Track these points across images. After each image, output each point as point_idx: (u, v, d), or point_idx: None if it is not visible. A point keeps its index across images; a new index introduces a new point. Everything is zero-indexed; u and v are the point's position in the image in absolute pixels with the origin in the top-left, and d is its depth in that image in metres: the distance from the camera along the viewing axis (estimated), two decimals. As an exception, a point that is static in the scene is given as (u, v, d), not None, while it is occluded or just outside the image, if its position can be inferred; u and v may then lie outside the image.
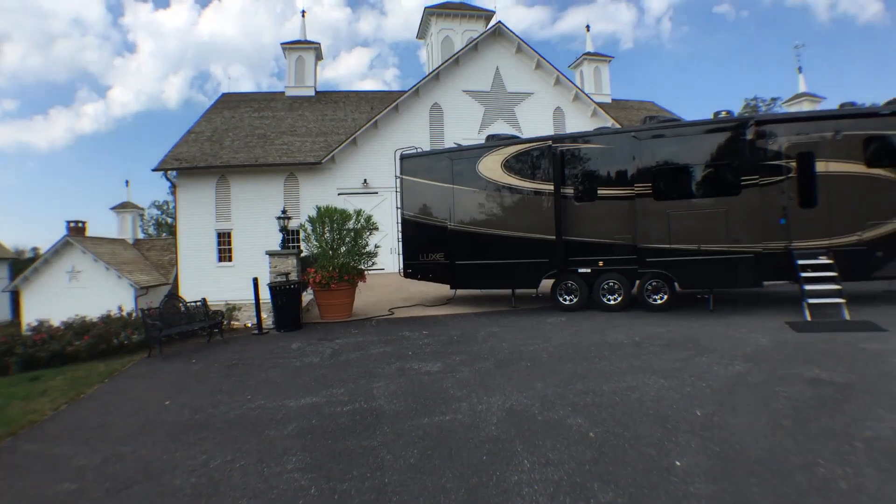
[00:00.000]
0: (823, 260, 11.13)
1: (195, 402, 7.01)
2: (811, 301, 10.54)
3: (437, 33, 29.34)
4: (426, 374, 7.68)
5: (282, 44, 29.22)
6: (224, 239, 23.47)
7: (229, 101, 28.56)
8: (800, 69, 39.48)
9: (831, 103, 40.54)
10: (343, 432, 5.60)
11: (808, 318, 10.27)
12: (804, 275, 10.99)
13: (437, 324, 11.79)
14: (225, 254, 23.41)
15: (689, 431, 5.12)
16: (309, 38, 30.14)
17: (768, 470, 4.31)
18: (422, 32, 31.85)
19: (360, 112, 27.75)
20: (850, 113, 12.22)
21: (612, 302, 12.54)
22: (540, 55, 25.80)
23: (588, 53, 32.38)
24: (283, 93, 29.52)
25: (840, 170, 11.42)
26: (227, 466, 4.92)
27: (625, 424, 5.37)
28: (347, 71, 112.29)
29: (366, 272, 13.84)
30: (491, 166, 13.46)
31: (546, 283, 13.38)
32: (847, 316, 10.14)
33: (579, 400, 6.19)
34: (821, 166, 11.47)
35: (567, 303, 12.92)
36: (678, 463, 4.47)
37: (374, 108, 27.38)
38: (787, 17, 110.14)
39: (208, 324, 11.43)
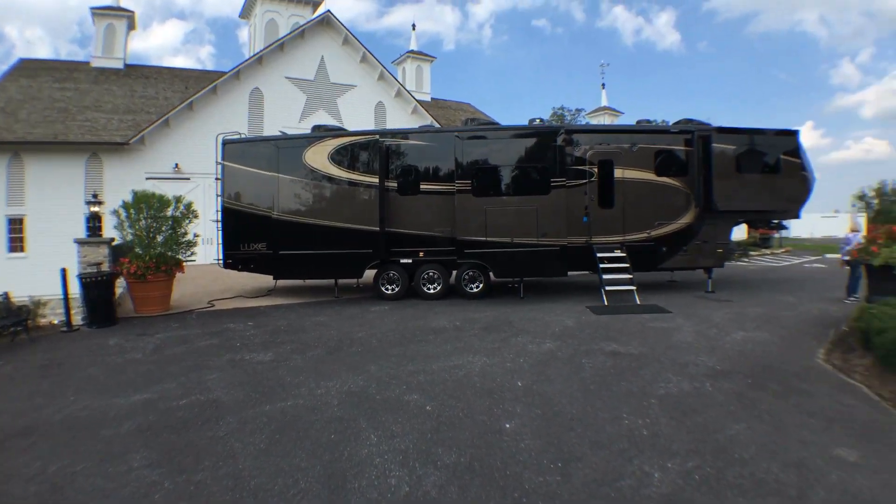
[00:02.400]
0: (618, 253, 14.31)
1: (13, 407, 6.78)
2: (608, 288, 13.51)
3: (262, 14, 30.24)
4: (259, 364, 8.36)
5: (91, 8, 27.72)
6: (16, 226, 22.03)
7: (27, 69, 26.59)
8: (603, 85, 48.82)
9: (628, 118, 48.84)
10: (185, 425, 5.98)
11: (606, 303, 13.09)
12: (602, 266, 14.02)
13: (262, 315, 12.60)
14: (17, 243, 21.98)
15: (514, 399, 6.52)
16: (122, 3, 28.78)
17: (583, 425, 5.73)
18: (246, 11, 32.51)
19: (174, 91, 27.39)
20: (645, 129, 15.97)
21: (431, 291, 14.58)
22: (366, 49, 28.09)
23: (412, 51, 36.31)
24: (88, 63, 28.01)
25: (634, 177, 14.84)
26: (67, 470, 5.02)
27: (457, 397, 6.62)
28: (158, 44, 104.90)
29: (183, 262, 13.93)
30: (317, 156, 14.64)
31: (369, 273, 14.89)
32: (638, 301, 13.16)
33: (413, 379, 7.38)
34: (618, 173, 14.80)
35: (389, 292, 14.64)
36: (508, 426, 5.73)
37: (190, 87, 27.28)
38: (597, 37, 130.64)
39: (12, 321, 10.72)
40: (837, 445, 5.29)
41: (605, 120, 43.30)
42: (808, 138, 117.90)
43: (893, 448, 5.29)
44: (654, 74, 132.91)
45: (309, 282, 16.79)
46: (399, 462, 4.98)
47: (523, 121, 15.94)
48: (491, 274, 14.66)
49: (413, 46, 37.02)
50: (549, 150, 14.41)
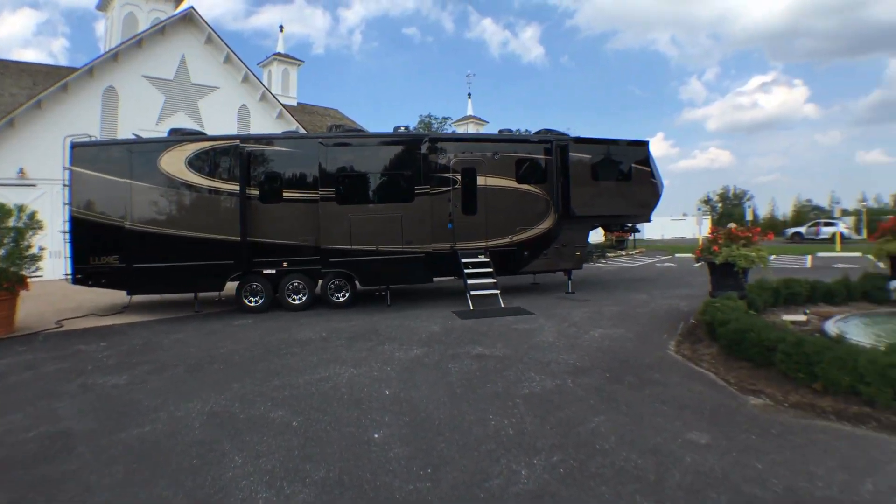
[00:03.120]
0: (482, 259, 14.63)
1: None
2: (473, 293, 13.71)
3: (121, 7, 28.26)
4: (113, 388, 7.71)
5: (-76, -8, 24.51)
6: None
7: None
8: (469, 94, 49.64)
9: (494, 126, 50.58)
10: (34, 460, 5.41)
11: (472, 308, 13.27)
12: (467, 271, 14.24)
13: (116, 334, 11.63)
14: None
15: (382, 409, 6.43)
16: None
17: (451, 429, 5.73)
18: (103, 4, 30.17)
19: (21, 87, 24.83)
20: (506, 138, 16.50)
21: (296, 302, 14.15)
22: (230, 49, 26.89)
23: (279, 54, 35.13)
24: (-80, 54, 24.84)
25: (496, 184, 15.28)
26: None
27: (324, 411, 6.43)
28: (6, 34, 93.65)
29: (28, 279, 12.50)
30: (174, 162, 13.70)
31: (231, 286, 14.22)
32: (502, 304, 13.46)
33: (278, 395, 7.10)
34: (481, 180, 15.17)
35: (253, 304, 14.04)
36: (376, 435, 5.63)
37: (39, 84, 24.85)
38: (465, 47, 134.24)
39: None
40: (690, 430, 5.62)
41: (470, 128, 44.45)
42: (660, 148, 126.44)
43: (740, 429, 5.67)
44: (519, 85, 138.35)
45: (167, 296, 15.88)
46: (266, 483, 4.76)
47: (391, 128, 16.02)
48: (357, 282, 14.52)
49: (280, 49, 36.04)
50: (414, 157, 14.49)
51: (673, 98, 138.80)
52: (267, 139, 15.06)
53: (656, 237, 57.35)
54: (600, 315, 12.19)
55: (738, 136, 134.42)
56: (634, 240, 39.05)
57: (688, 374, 7.69)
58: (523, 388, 7.15)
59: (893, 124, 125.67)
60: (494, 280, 14.21)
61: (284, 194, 14.21)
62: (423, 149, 14.55)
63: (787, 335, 7.22)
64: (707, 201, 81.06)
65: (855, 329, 9.03)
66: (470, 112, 46.35)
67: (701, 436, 5.46)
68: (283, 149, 14.47)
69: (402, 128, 15.98)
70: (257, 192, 14.07)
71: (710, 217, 66.41)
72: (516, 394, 6.91)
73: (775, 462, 4.88)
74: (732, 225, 11.09)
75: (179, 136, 14.40)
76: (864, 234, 42.69)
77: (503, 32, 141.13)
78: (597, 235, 32.08)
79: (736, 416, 6.04)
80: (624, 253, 34.51)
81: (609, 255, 31.84)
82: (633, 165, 16.88)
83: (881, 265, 12.61)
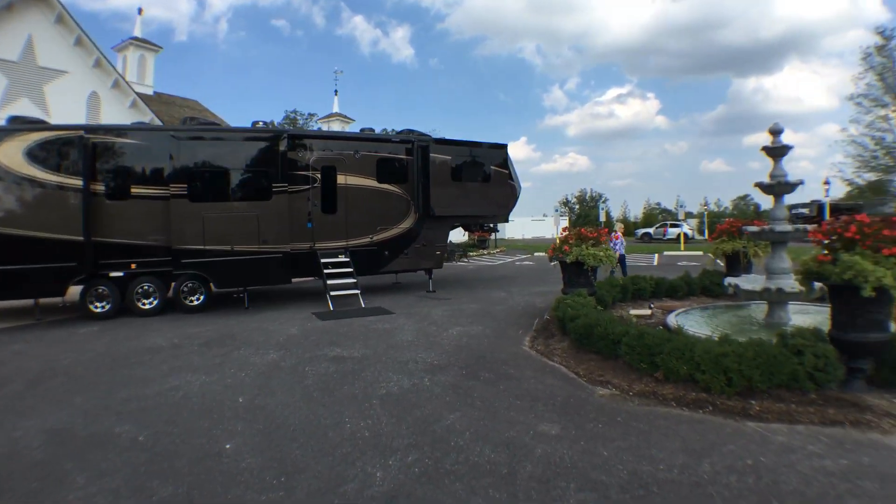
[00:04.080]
0: (342, 258, 14.42)
1: None
2: (333, 293, 13.53)
3: None
4: None
5: None
6: None
7: None
8: (336, 91, 48.70)
9: (361, 125, 50.35)
10: None
11: (332, 308, 13.08)
12: (327, 271, 14.00)
13: None
14: None
15: (234, 417, 6.18)
16: None
17: (306, 434, 5.60)
18: None
19: None
20: (368, 137, 16.36)
21: (147, 306, 13.20)
22: (82, 30, 24.39)
23: (136, 38, 31.98)
24: None
25: (357, 183, 15.11)
26: None
27: (174, 422, 6.09)
28: None
29: None
30: (11, 153, 12.25)
31: (76, 290, 12.99)
32: (363, 304, 13.37)
33: (124, 408, 6.63)
34: (341, 179, 14.94)
35: (99, 310, 12.87)
36: (228, 446, 5.40)
37: None
38: (335, 43, 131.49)
39: None
40: (541, 422, 5.79)
41: (336, 126, 43.73)
42: (523, 151, 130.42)
43: (588, 418, 5.91)
44: (387, 85, 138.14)
45: (3, 304, 14.29)
46: (110, 503, 4.45)
47: (261, 121, 15.42)
48: (212, 285, 13.86)
49: (138, 33, 32.79)
50: (272, 154, 14.08)
51: (536, 105, 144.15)
52: (116, 130, 13.88)
53: (517, 237, 59.16)
54: (460, 313, 12.41)
55: (596, 142, 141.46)
56: (496, 239, 40.03)
57: (541, 368, 7.95)
58: (381, 388, 7.12)
59: (734, 137, 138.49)
60: (355, 280, 14.12)
61: (133, 191, 13.18)
62: (282, 146, 14.19)
63: (630, 329, 7.64)
64: (566, 203, 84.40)
65: (694, 321, 9.67)
66: (336, 109, 45.66)
67: (552, 427, 5.64)
68: (133, 141, 13.39)
69: (260, 123, 15.47)
70: (103, 188, 12.94)
71: (568, 218, 69.36)
72: (373, 395, 6.87)
73: (621, 448, 5.12)
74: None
75: (17, 125, 12.99)
76: (706, 235, 46.05)
77: (374, 31, 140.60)
78: (460, 235, 32.68)
79: (585, 407, 6.30)
80: (486, 252, 35.35)
81: (471, 254, 32.50)
82: (492, 167, 17.35)
83: (720, 263, 13.59)
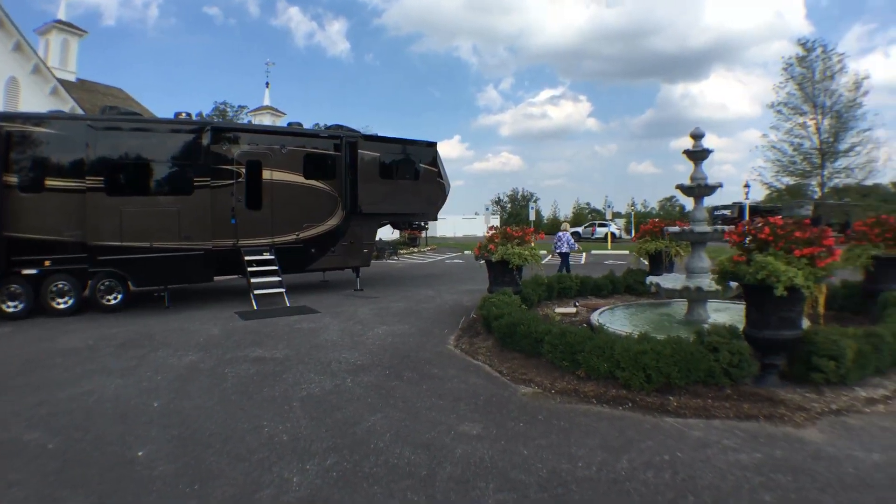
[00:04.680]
0: (267, 256, 14.07)
1: None
2: (258, 292, 13.19)
3: None
4: None
5: None
6: None
7: None
8: (268, 84, 47.39)
9: (292, 119, 49.42)
10: None
11: (256, 307, 12.75)
12: (251, 269, 13.63)
13: None
14: None
15: (149, 423, 5.94)
16: None
17: (222, 439, 5.43)
18: None
19: None
20: (295, 131, 16.04)
21: (62, 306, 12.53)
22: (3, 10, 23.14)
23: (60, 21, 30.40)
24: None
25: (283, 178, 14.77)
26: None
27: (85, 429, 5.81)
28: None
29: None
30: None
31: None
32: (288, 303, 13.06)
33: (34, 413, 6.29)
34: (267, 174, 14.56)
35: (12, 310, 12.17)
36: (141, 453, 5.17)
37: None
38: (269, 34, 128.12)
39: None
40: (463, 422, 5.76)
41: (267, 120, 42.77)
42: (456, 150, 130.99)
43: (510, 417, 5.91)
44: (322, 79, 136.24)
45: None
46: (18, 515, 4.18)
47: (185, 113, 14.92)
48: (130, 283, 13.28)
49: (62, 16, 31.17)
50: (195, 147, 13.58)
51: (471, 103, 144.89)
52: (32, 119, 13.05)
53: (449, 235, 59.32)
54: (387, 312, 12.32)
55: (529, 142, 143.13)
56: (426, 237, 40.02)
57: (465, 367, 7.94)
58: (302, 390, 6.97)
59: (662, 140, 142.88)
60: (280, 278, 13.81)
61: (48, 183, 12.44)
62: (206, 138, 13.69)
63: (553, 327, 7.71)
64: (498, 202, 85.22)
65: (617, 319, 9.85)
66: (267, 102, 44.60)
67: (473, 427, 5.62)
68: (48, 130, 12.60)
69: (185, 114, 14.84)
70: (17, 181, 12.20)
71: (500, 216, 70.07)
72: (294, 397, 6.72)
73: (541, 447, 5.14)
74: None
75: None
76: (633, 235, 47.27)
77: (310, 23, 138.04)
78: (392, 233, 32.51)
79: (507, 406, 6.30)
80: (416, 250, 35.28)
81: (401, 252, 32.36)
82: (421, 165, 17.27)
83: (644, 262, 13.89)
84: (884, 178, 32.71)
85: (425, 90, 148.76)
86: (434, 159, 17.64)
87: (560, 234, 17.96)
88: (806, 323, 7.70)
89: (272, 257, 14.24)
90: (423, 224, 22.77)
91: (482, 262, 11.49)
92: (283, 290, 13.54)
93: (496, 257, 10.72)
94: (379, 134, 16.99)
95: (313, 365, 8.09)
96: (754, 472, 4.67)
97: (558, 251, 17.66)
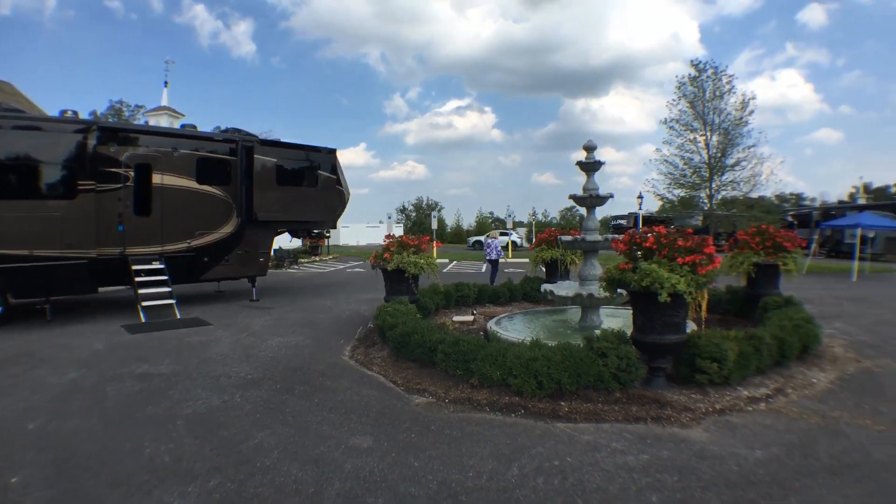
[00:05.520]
0: (157, 265, 13.38)
1: None
2: (146, 304, 12.51)
3: None
4: None
5: None
6: None
7: None
8: (167, 83, 44.91)
9: (192, 121, 47.51)
10: None
11: (144, 320, 12.10)
12: (139, 279, 12.91)
13: None
14: None
15: (25, 446, 5.55)
16: None
17: (101, 462, 5.13)
18: None
19: None
20: (188, 134, 15.29)
21: None
22: None
23: None
24: None
25: (174, 183, 14.06)
26: None
27: None
28: None
29: None
30: None
31: None
32: (179, 315, 12.54)
33: None
34: (157, 179, 13.79)
35: None
36: (14, 479, 4.82)
37: None
38: (172, 32, 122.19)
39: None
40: (354, 435, 5.67)
41: (164, 121, 40.84)
42: (362, 158, 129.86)
43: (402, 428, 5.86)
44: (225, 81, 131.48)
45: None
46: None
47: (82, 111, 13.87)
48: (9, 294, 12.17)
49: None
50: (79, 148, 12.71)
51: (378, 111, 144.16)
52: None
53: (351, 243, 58.71)
54: (282, 322, 12.03)
55: (434, 152, 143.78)
56: (328, 245, 39.51)
57: (359, 378, 7.84)
58: (187, 407, 6.67)
59: (564, 152, 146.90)
60: (170, 289, 13.19)
61: None
62: (92, 139, 12.86)
63: (447, 336, 7.74)
64: (403, 210, 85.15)
65: (514, 327, 9.99)
66: (165, 103, 42.26)
67: (364, 440, 5.53)
68: None
69: (71, 112, 13.87)
70: None
71: (403, 225, 70.09)
72: (179, 415, 6.42)
73: (432, 458, 5.11)
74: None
75: None
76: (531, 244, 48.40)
77: (215, 22, 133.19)
78: (293, 241, 31.92)
79: (400, 417, 6.25)
80: (317, 258, 34.73)
81: (302, 260, 31.77)
82: (320, 172, 16.97)
83: (542, 269, 14.16)
84: (766, 192, 34.79)
85: (332, 96, 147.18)
86: (333, 166, 17.38)
87: (489, 241, 18.36)
88: (692, 327, 8.06)
89: (162, 266, 13.57)
90: (324, 232, 22.45)
91: (376, 270, 11.40)
92: (173, 301, 12.95)
93: (392, 266, 10.65)
94: (282, 140, 16.59)
95: (201, 380, 7.77)
96: (641, 474, 4.80)
97: (488, 258, 18.15)
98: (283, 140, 16.90)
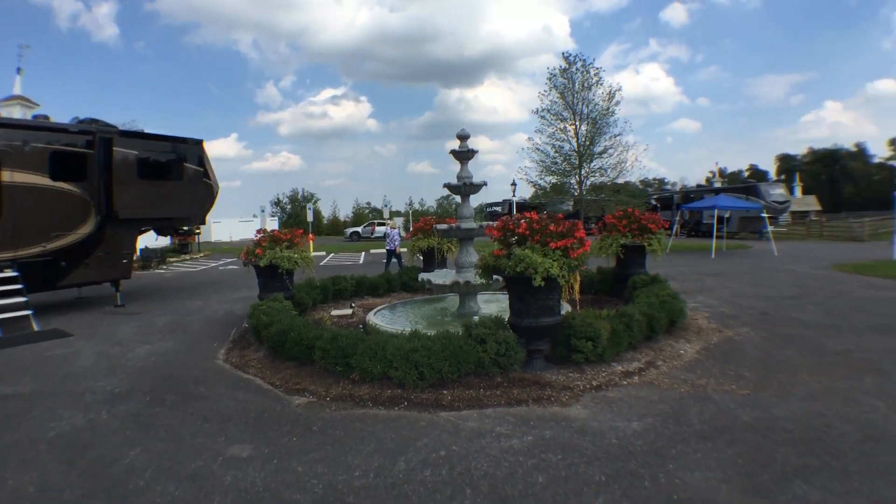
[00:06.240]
0: (9, 273, 12.26)
1: None
2: (-1, 316, 11.39)
3: None
4: None
5: None
6: None
7: None
8: (20, 70, 40.65)
9: (48, 111, 43.84)
10: None
11: (-2, 335, 11.03)
12: (-9, 289, 11.74)
13: None
14: None
15: None
16: None
17: (-50, 498, 4.76)
18: None
19: None
20: (40, 125, 14.00)
21: None
22: None
23: None
24: None
25: (26, 181, 12.81)
26: None
27: None
28: None
29: None
30: None
31: None
32: (37, 327, 11.55)
33: None
34: (6, 175, 12.52)
35: None
36: None
37: None
38: (27, 12, 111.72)
39: None
40: (232, 444, 5.45)
41: (17, 112, 37.21)
42: (234, 149, 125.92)
43: (283, 433, 5.70)
44: (86, 67, 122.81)
45: None
46: None
47: None
48: None
49: None
50: None
51: (250, 100, 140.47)
52: None
53: (224, 239, 56.81)
54: (150, 328, 11.41)
55: (309, 142, 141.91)
56: (199, 242, 38.01)
57: (234, 382, 7.56)
58: (50, 430, 6.15)
59: (439, 141, 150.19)
60: (25, 299, 12.11)
61: None
62: None
63: (324, 332, 7.60)
64: (278, 202, 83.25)
65: (394, 318, 9.99)
66: (18, 91, 38.46)
67: (244, 448, 5.33)
68: None
69: None
70: None
71: (278, 218, 68.64)
72: (41, 438, 5.91)
73: (316, 460, 5.01)
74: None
75: None
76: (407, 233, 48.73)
77: (74, 3, 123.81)
78: (164, 240, 30.49)
79: (280, 420, 6.08)
80: (188, 257, 33.30)
81: (171, 260, 30.36)
82: (186, 164, 16.14)
83: (420, 258, 14.23)
84: (632, 177, 36.74)
85: (202, 85, 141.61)
86: (201, 158, 16.60)
87: (391, 231, 18.45)
88: (567, 308, 8.34)
89: (15, 274, 12.43)
90: (193, 229, 21.48)
91: (248, 267, 11.05)
92: (29, 312, 11.91)
93: (264, 262, 10.37)
94: (147, 131, 15.63)
95: (64, 398, 7.20)
96: (527, 456, 4.92)
97: (389, 248, 18.69)
98: (147, 131, 15.88)
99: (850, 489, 4.29)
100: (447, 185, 10.36)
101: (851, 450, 4.97)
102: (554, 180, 36.17)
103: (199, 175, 16.49)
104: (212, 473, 4.85)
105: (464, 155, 10.27)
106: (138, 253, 23.06)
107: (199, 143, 16.80)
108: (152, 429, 6.00)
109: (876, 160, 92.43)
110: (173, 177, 15.92)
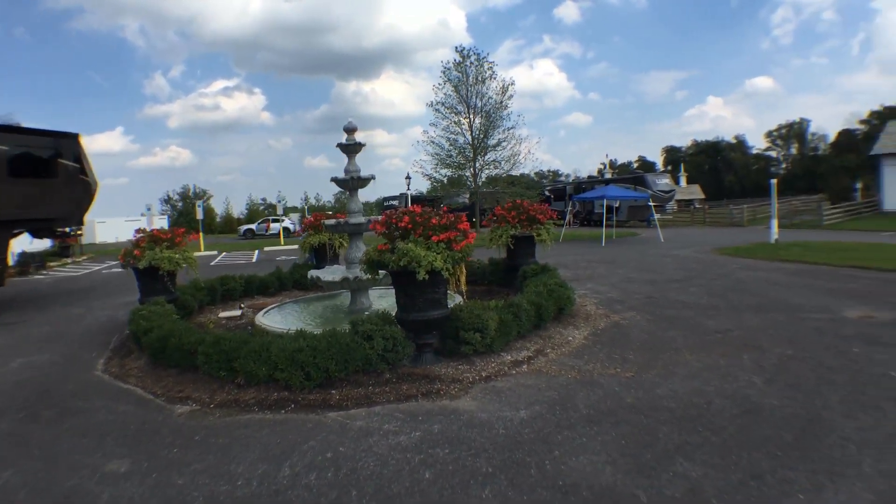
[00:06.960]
0: None
1: None
2: None
3: None
4: None
5: None
6: None
7: None
8: None
9: None
10: None
11: None
12: None
13: None
14: None
15: None
16: None
17: None
18: None
19: None
20: None
21: None
22: None
23: None
24: None
25: None
26: None
27: None
28: None
29: None
30: None
31: None
32: None
33: None
34: None
35: None
36: None
37: None
38: None
39: None
40: (110, 460, 5.25)
41: None
42: (119, 143, 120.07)
43: (163, 444, 5.54)
44: None
45: None
46: None
47: None
48: None
49: None
50: None
51: (136, 91, 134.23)
52: None
53: (110, 240, 54.20)
54: (26, 339, 10.79)
55: (200, 135, 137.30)
56: (82, 245, 36.17)
57: (114, 394, 7.25)
58: None
59: (336, 135, 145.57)
60: None
61: None
62: None
63: (206, 336, 7.41)
64: (168, 200, 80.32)
65: (284, 317, 9.88)
66: None
67: (122, 464, 5.15)
68: None
69: None
70: None
71: (168, 216, 66.29)
72: None
73: (198, 471, 4.90)
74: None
75: None
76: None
77: None
78: (30, 242, 28.80)
79: (161, 431, 5.90)
80: (70, 261, 31.61)
81: (51, 264, 28.74)
82: (61, 161, 15.24)
83: (312, 255, 14.10)
84: (526, 169, 37.90)
85: (84, 73, 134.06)
86: (78, 154, 15.74)
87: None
88: (458, 300, 8.49)
89: None
90: (73, 230, 20.37)
91: (127, 270, 10.64)
92: None
93: (143, 264, 9.99)
94: (24, 125, 14.65)
95: None
96: (414, 452, 4.99)
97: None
98: (22, 125, 14.91)
99: (728, 463, 4.57)
100: (334, 180, 10.30)
101: (730, 424, 5.31)
102: (449, 173, 36.75)
103: (75, 172, 15.64)
104: (88, 492, 4.66)
105: (351, 148, 10.25)
106: (13, 258, 21.75)
107: (75, 136, 15.93)
108: (26, 447, 5.70)
109: (754, 151, 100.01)
110: (47, 174, 15.02)
